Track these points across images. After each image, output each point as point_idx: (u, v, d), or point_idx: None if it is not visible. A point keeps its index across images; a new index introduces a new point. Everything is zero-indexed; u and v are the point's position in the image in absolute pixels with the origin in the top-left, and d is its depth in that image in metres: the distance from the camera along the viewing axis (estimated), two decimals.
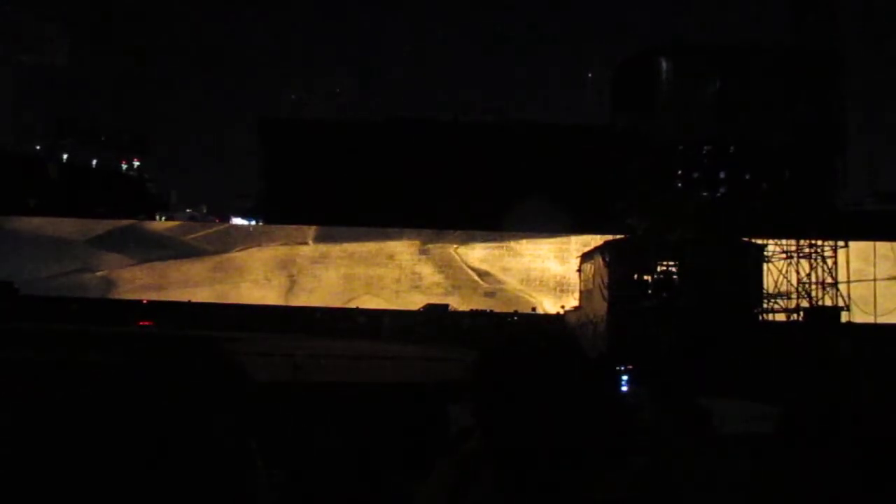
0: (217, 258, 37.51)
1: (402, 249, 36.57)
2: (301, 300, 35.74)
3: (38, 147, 51.91)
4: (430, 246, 36.42)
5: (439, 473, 1.44)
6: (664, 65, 28.96)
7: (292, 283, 36.62)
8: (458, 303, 34.92)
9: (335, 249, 36.60)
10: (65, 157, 50.05)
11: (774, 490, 1.57)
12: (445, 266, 36.33)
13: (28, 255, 35.96)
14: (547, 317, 31.86)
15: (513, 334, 1.45)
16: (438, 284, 35.99)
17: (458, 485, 1.33)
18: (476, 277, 36.18)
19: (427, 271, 36.33)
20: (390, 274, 36.29)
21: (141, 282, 36.71)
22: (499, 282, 36.15)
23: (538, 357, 1.36)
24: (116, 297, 35.87)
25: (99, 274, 36.89)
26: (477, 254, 36.46)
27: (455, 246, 36.44)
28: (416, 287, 36.04)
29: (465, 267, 36.34)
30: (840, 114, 27.00)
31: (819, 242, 25.52)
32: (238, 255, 37.73)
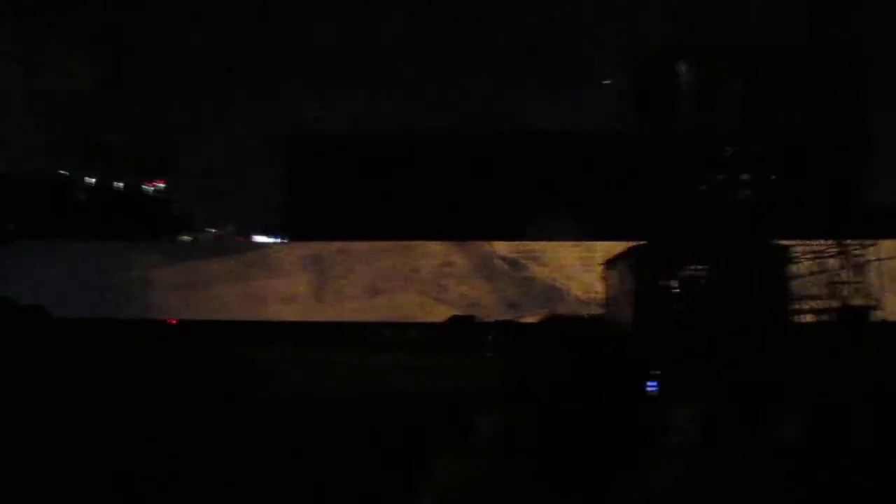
0: (248, 255, 38.11)
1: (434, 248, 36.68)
2: (331, 298, 36.02)
3: (65, 172, 52.69)
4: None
5: (450, 469, 1.45)
6: (684, 66, 28.86)
7: (322, 282, 36.75)
8: (489, 294, 34.97)
9: (364, 247, 36.71)
10: (92, 180, 50.78)
11: (801, 492, 1.57)
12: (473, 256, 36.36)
13: (60, 259, 36.45)
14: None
15: (553, 329, 1.45)
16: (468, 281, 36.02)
17: (482, 479, 1.34)
18: (506, 265, 36.21)
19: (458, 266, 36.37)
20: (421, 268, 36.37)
21: (171, 280, 37.05)
22: (529, 266, 36.13)
23: (577, 351, 1.36)
24: (149, 293, 36.31)
25: (134, 274, 37.22)
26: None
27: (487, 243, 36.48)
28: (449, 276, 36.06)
29: (496, 255, 36.38)
30: (866, 110, 26.74)
31: (847, 241, 25.25)
32: (267, 251, 38.56)
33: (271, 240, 44.54)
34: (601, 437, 1.41)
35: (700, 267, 22.33)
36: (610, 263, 27.51)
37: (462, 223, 36.03)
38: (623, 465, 1.49)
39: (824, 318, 24.79)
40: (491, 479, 1.34)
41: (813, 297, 24.94)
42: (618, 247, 28.91)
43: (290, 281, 36.59)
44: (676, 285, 22.30)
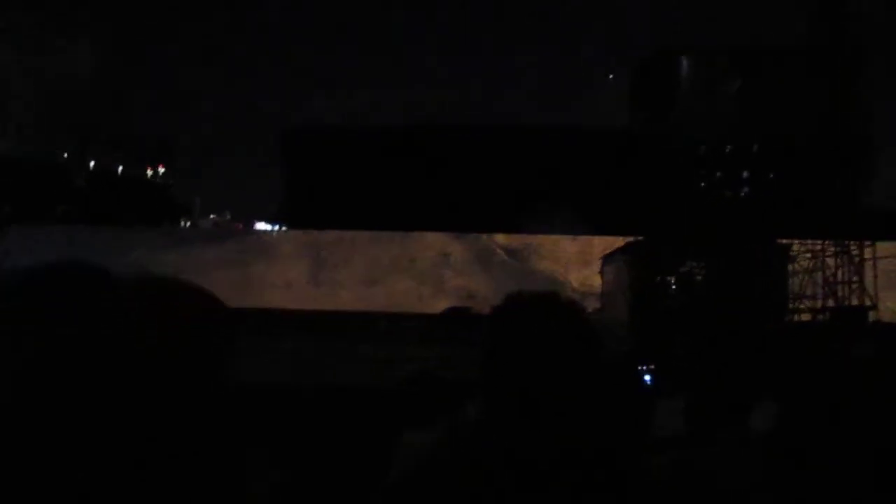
0: (245, 240, 38.26)
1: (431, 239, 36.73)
2: (327, 286, 36.06)
3: (65, 155, 52.61)
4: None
5: (417, 443, 1.46)
6: (684, 64, 28.81)
7: (319, 270, 36.79)
8: (487, 286, 34.97)
9: (362, 236, 36.73)
10: (91, 164, 50.69)
11: (782, 487, 1.57)
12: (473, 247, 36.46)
13: (58, 243, 36.07)
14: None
15: (522, 298, 1.44)
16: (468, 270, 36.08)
17: (462, 459, 1.34)
18: (505, 257, 36.33)
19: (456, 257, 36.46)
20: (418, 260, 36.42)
21: (169, 265, 36.92)
22: (527, 259, 36.26)
23: (545, 321, 1.35)
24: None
25: (131, 259, 37.02)
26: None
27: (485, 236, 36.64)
28: (446, 266, 36.15)
29: (495, 247, 36.52)
30: (865, 111, 26.68)
31: (845, 241, 25.25)
32: (265, 238, 38.74)
33: (270, 227, 44.51)
34: (582, 423, 1.42)
35: (697, 264, 22.35)
36: (607, 258, 27.54)
37: (461, 215, 36.03)
38: (609, 455, 1.49)
39: (821, 317, 24.83)
40: (459, 455, 1.35)
41: (810, 297, 24.98)
42: (616, 242, 28.93)
43: (287, 268, 36.60)
44: (673, 281, 22.33)
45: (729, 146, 27.31)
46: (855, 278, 24.95)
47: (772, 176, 27.81)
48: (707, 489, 2.06)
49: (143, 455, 0.97)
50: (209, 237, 39.39)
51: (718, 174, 27.27)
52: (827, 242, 25.33)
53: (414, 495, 1.34)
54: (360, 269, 36.50)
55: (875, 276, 25.22)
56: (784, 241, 24.55)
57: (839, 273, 25.06)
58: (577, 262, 35.60)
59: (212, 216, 56.80)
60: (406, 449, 1.48)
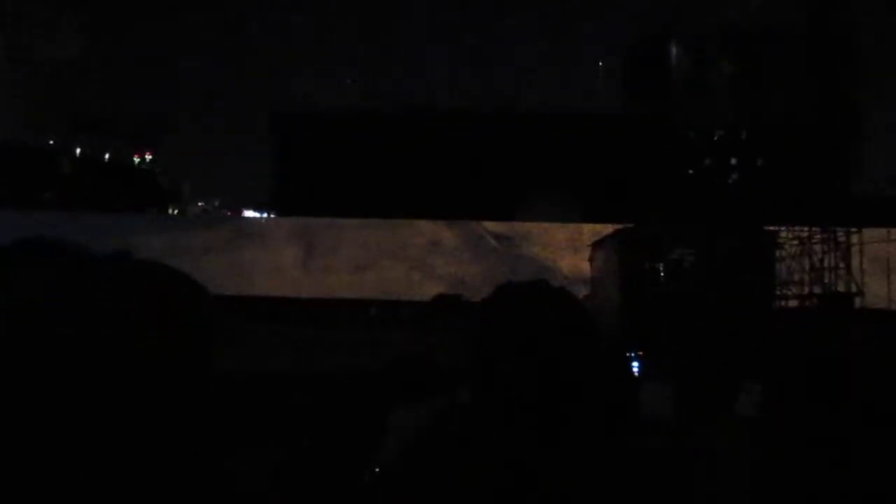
0: (234, 226, 38.16)
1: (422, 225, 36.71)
2: (317, 273, 36.01)
3: (51, 141, 52.22)
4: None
5: (410, 419, 1.46)
6: (676, 49, 28.78)
7: (309, 256, 36.77)
8: (477, 273, 35.00)
9: (352, 223, 36.71)
10: (78, 150, 50.27)
11: (762, 469, 1.59)
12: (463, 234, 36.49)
13: (45, 230, 35.74)
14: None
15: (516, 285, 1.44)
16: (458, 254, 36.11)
17: (456, 441, 1.34)
18: (495, 243, 36.37)
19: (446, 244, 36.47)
20: (408, 245, 36.44)
21: (157, 252, 36.62)
22: (517, 246, 36.31)
23: (541, 306, 1.36)
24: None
25: (114, 242, 36.74)
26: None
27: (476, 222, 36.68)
28: (435, 253, 36.17)
29: (485, 234, 36.54)
30: (856, 97, 26.74)
31: (832, 228, 25.36)
32: (255, 225, 38.66)
33: (259, 214, 44.35)
34: (573, 413, 1.42)
35: (686, 250, 22.43)
36: (597, 245, 27.59)
37: (452, 202, 35.98)
38: (598, 441, 1.50)
39: (808, 303, 24.98)
40: (453, 427, 1.36)
41: (797, 283, 25.11)
42: (605, 229, 28.99)
43: (277, 255, 36.52)
44: (661, 268, 22.41)
45: (719, 132, 27.36)
46: (841, 264, 25.10)
47: (761, 162, 27.90)
48: (693, 474, 2.08)
49: (124, 448, 0.94)
50: (197, 224, 39.25)
51: (708, 161, 27.33)
52: (814, 229, 25.46)
53: (412, 475, 1.35)
54: (350, 256, 36.46)
55: (861, 263, 25.38)
56: (771, 227, 24.66)
57: (826, 259, 25.20)
58: (567, 249, 35.66)
59: (200, 203, 56.49)
60: (399, 424, 1.49)
